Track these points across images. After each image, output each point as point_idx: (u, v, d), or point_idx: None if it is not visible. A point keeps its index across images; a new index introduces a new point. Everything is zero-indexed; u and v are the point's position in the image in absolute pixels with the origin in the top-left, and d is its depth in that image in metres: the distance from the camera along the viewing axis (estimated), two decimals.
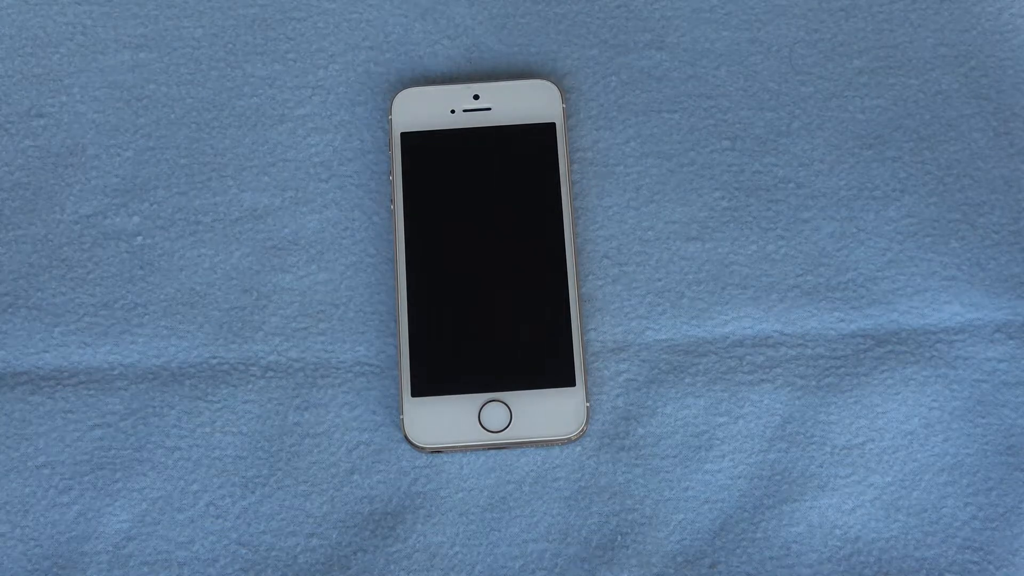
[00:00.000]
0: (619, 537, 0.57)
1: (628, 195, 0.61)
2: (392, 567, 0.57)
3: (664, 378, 0.58)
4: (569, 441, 0.57)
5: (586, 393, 0.57)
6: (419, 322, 0.58)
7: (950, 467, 0.57)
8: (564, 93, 0.61)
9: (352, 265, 0.60)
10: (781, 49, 0.62)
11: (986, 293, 0.59)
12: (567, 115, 0.61)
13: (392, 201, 0.60)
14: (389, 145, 0.61)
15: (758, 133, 0.61)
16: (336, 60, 0.63)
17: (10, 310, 0.59)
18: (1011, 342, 0.58)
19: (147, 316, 0.59)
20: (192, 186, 0.61)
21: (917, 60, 0.62)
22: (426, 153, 0.60)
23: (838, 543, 0.57)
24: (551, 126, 0.60)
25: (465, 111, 0.60)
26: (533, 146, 0.60)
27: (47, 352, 0.59)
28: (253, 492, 0.57)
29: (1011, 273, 0.59)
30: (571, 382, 0.57)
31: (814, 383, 0.58)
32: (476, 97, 0.61)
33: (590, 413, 0.58)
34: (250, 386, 0.58)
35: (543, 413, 0.57)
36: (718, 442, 0.58)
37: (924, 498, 0.57)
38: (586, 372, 0.58)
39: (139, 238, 0.60)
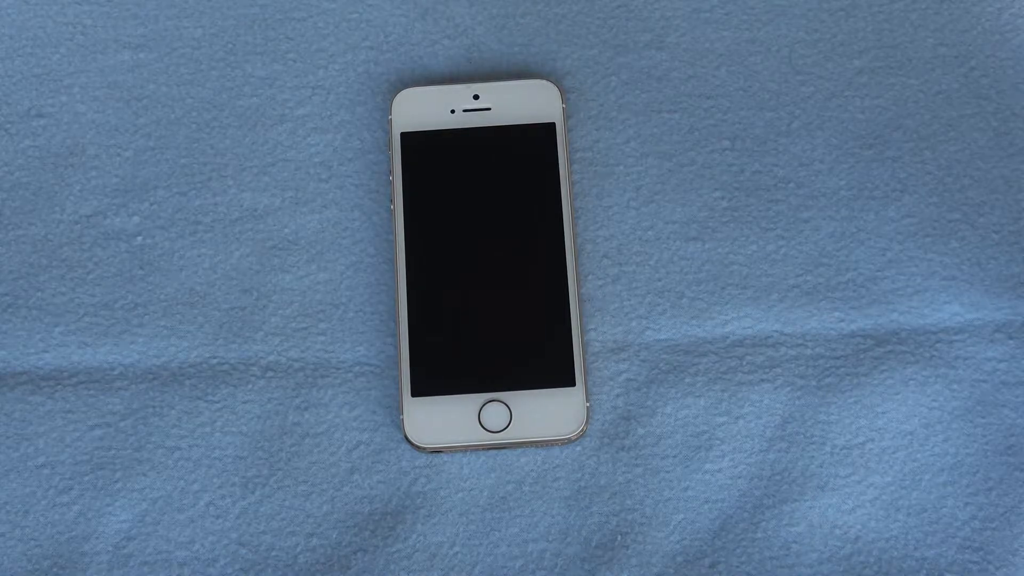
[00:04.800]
0: (619, 537, 0.57)
1: (628, 195, 0.61)
2: (392, 567, 0.57)
3: (664, 378, 0.58)
4: (569, 441, 0.57)
5: (586, 393, 0.57)
6: (419, 322, 0.58)
7: (950, 467, 0.57)
8: (564, 93, 0.61)
9: (352, 265, 0.60)
10: (781, 49, 0.62)
11: (986, 293, 0.59)
12: (567, 115, 0.61)
13: (392, 201, 0.60)
14: (389, 145, 0.60)
15: (758, 133, 0.61)
16: (336, 60, 0.63)
17: (10, 310, 0.59)
18: (1011, 342, 0.58)
19: (147, 316, 0.59)
20: (192, 186, 0.61)
21: (917, 60, 0.62)
22: (426, 153, 0.60)
23: (838, 543, 0.57)
24: (551, 126, 0.60)
25: (465, 111, 0.60)
26: (533, 146, 0.60)
27: (47, 352, 0.59)
28: (253, 492, 0.57)
29: (1011, 273, 0.59)
30: (571, 382, 0.57)
31: (814, 383, 0.58)
32: (476, 97, 0.61)
33: (590, 413, 0.58)
34: (250, 386, 0.58)
35: (543, 413, 0.57)
36: (718, 442, 0.58)
37: (924, 498, 0.57)
38: (586, 372, 0.58)
39: (139, 238, 0.60)
